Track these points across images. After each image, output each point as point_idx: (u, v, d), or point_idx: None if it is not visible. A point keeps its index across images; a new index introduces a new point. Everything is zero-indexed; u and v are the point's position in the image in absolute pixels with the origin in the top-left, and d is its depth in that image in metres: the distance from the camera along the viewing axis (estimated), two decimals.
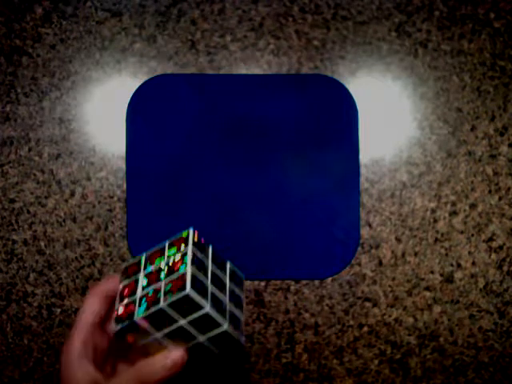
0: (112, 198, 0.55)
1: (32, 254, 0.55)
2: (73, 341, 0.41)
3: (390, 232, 0.55)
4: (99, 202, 0.55)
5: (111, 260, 0.55)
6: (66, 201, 0.55)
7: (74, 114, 0.55)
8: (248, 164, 0.54)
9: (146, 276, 0.41)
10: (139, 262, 0.42)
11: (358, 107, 0.55)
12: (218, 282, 0.41)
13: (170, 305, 0.38)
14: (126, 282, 0.42)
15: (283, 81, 0.55)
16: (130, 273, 0.42)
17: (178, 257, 0.40)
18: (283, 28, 0.56)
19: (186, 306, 0.38)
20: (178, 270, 0.39)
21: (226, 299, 0.41)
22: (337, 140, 0.54)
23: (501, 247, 0.55)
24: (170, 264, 0.40)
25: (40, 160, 0.55)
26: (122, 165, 0.55)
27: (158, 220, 0.54)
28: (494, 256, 0.55)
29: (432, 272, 0.55)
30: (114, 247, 0.55)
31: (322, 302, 0.55)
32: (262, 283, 0.55)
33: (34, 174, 0.55)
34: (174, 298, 0.37)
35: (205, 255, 0.42)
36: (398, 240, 0.55)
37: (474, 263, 0.55)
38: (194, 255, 0.40)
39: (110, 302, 0.43)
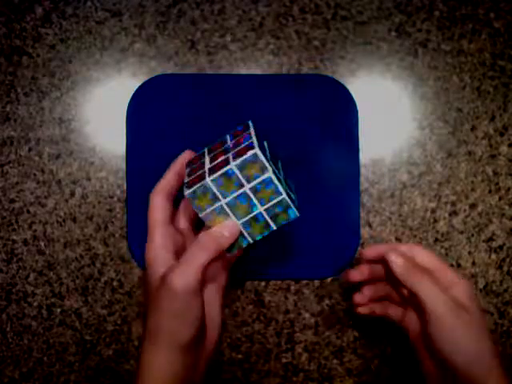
0: (112, 198, 0.55)
1: (32, 254, 0.55)
2: (153, 237, 0.44)
3: (390, 232, 0.55)
4: (99, 202, 0.55)
5: (111, 260, 0.55)
6: (66, 201, 0.55)
7: (74, 114, 0.55)
8: None
9: (212, 157, 0.43)
10: (202, 153, 0.45)
11: (358, 107, 0.55)
12: (275, 165, 0.44)
13: (239, 166, 0.41)
14: (192, 166, 0.44)
15: (283, 81, 0.55)
16: (195, 161, 0.45)
17: (241, 137, 0.43)
18: (283, 28, 0.56)
19: (253, 167, 0.41)
20: (243, 143, 0.42)
21: (282, 177, 0.44)
22: (337, 140, 0.54)
23: (501, 247, 0.55)
24: (235, 142, 0.43)
25: (40, 160, 0.55)
26: (122, 165, 0.55)
27: None
28: (493, 256, 0.55)
29: None
30: (114, 247, 0.55)
31: (321, 302, 0.55)
32: (262, 283, 0.55)
33: (34, 174, 0.55)
34: (243, 157, 0.40)
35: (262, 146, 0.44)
36: (398, 240, 0.55)
37: (474, 263, 0.55)
38: (256, 136, 0.43)
39: (173, 200, 0.46)
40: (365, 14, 0.56)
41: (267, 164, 0.41)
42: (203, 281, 0.42)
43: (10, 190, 0.55)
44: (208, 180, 0.41)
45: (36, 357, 0.55)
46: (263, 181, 0.41)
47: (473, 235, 0.55)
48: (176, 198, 0.47)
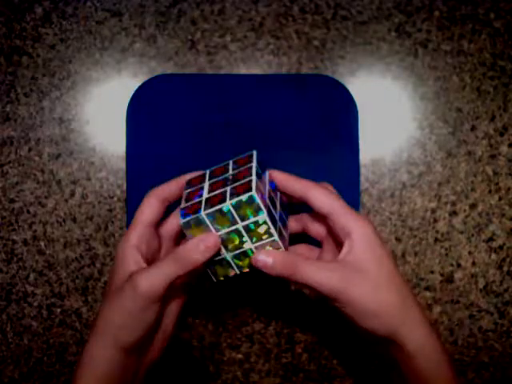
0: (112, 198, 0.55)
1: (32, 254, 0.55)
2: (129, 235, 0.43)
3: (390, 232, 0.55)
4: (99, 202, 0.55)
5: (111, 260, 0.55)
6: (66, 201, 0.55)
7: (74, 113, 0.55)
8: None
9: (211, 184, 0.44)
10: (203, 175, 0.45)
11: (358, 107, 0.55)
12: (272, 201, 0.44)
13: (235, 205, 0.41)
14: (190, 190, 0.44)
15: (283, 81, 0.55)
16: (195, 183, 0.45)
17: (242, 169, 0.44)
18: (283, 28, 0.56)
19: (248, 207, 0.41)
20: (243, 178, 0.42)
21: (277, 217, 0.44)
22: (337, 140, 0.54)
23: (501, 247, 0.55)
24: (235, 174, 0.44)
25: (40, 160, 0.55)
26: (122, 165, 0.55)
27: None
28: (494, 256, 0.55)
29: (432, 272, 0.55)
30: (114, 247, 0.55)
31: (321, 302, 0.55)
32: (263, 283, 0.55)
33: (34, 174, 0.55)
34: (240, 198, 0.41)
35: (262, 178, 0.45)
36: (398, 240, 0.55)
37: (474, 263, 0.55)
38: (257, 170, 0.44)
39: (167, 206, 0.45)
40: (365, 13, 0.56)
41: (262, 206, 0.41)
42: (168, 291, 0.41)
43: (9, 190, 0.55)
44: (203, 213, 0.41)
45: (36, 357, 0.55)
46: (257, 221, 0.41)
47: (473, 235, 0.55)
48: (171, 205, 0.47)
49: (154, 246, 0.45)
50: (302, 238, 0.48)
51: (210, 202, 0.42)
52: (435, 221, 0.55)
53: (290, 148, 0.54)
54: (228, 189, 0.42)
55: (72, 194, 0.55)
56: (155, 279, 0.40)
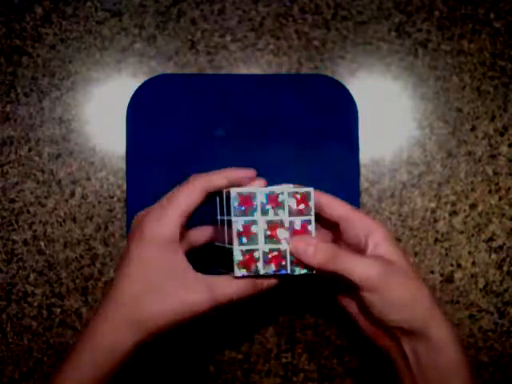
0: (112, 198, 0.55)
1: (32, 254, 0.55)
2: (170, 220, 0.42)
3: (390, 232, 0.55)
4: (99, 202, 0.55)
5: (111, 260, 0.55)
6: (66, 201, 0.55)
7: (74, 113, 0.55)
8: (248, 164, 0.54)
9: (268, 226, 0.43)
10: (254, 196, 0.43)
11: (358, 107, 0.55)
12: None
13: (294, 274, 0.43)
14: (242, 219, 0.42)
15: (283, 81, 0.55)
16: (245, 206, 0.43)
17: (299, 219, 0.43)
18: (283, 28, 0.56)
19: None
20: (303, 231, 0.43)
21: None
22: (337, 140, 0.54)
23: (501, 247, 0.55)
24: (292, 222, 0.43)
25: (40, 160, 0.55)
26: (122, 165, 0.55)
27: None
28: (494, 256, 0.55)
29: (432, 272, 0.55)
30: (114, 247, 0.55)
31: (322, 302, 0.55)
32: None
33: (34, 174, 0.55)
34: (301, 272, 0.43)
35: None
36: (398, 240, 0.55)
37: (474, 263, 0.55)
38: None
39: (207, 196, 0.44)
40: (365, 13, 0.56)
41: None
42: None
43: (10, 190, 0.55)
44: (261, 272, 0.42)
45: (36, 357, 0.55)
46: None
47: (473, 235, 0.55)
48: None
49: (182, 236, 0.44)
50: None
51: (268, 262, 0.42)
52: (435, 221, 0.55)
53: (289, 148, 0.54)
54: (287, 249, 0.43)
55: (72, 194, 0.55)
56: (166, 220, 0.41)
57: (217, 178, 0.44)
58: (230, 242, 0.43)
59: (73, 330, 0.55)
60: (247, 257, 0.42)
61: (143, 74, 0.55)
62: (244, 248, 0.42)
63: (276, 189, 0.43)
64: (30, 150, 0.55)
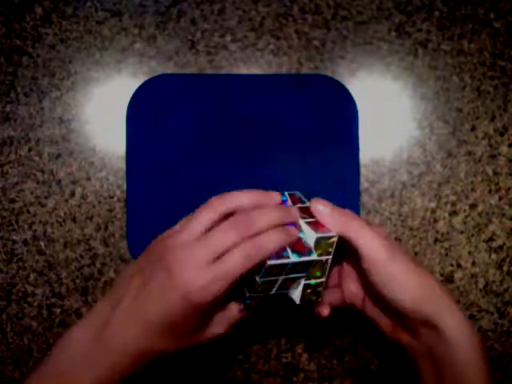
0: (112, 198, 0.55)
1: (32, 254, 0.55)
2: (217, 288, 0.40)
3: (390, 232, 0.55)
4: (99, 202, 0.55)
5: (111, 260, 0.55)
6: (66, 201, 0.55)
7: (74, 113, 0.55)
8: (248, 164, 0.54)
9: (285, 280, 0.43)
10: (286, 265, 0.42)
11: (358, 107, 0.55)
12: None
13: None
14: (263, 279, 0.43)
15: (283, 81, 0.55)
16: (274, 271, 0.43)
17: (318, 262, 0.44)
18: (283, 28, 0.56)
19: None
20: (316, 276, 0.44)
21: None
22: (337, 140, 0.54)
23: (501, 247, 0.55)
24: (310, 270, 0.44)
25: (40, 160, 0.55)
26: (122, 165, 0.55)
27: (158, 220, 0.54)
28: (494, 256, 0.55)
29: (432, 272, 0.55)
30: (114, 247, 0.55)
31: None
32: None
33: (34, 174, 0.55)
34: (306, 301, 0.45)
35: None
36: (398, 240, 0.55)
37: (474, 263, 0.55)
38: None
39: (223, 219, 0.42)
40: (365, 13, 0.56)
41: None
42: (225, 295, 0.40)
43: (10, 190, 0.55)
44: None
45: (36, 357, 0.55)
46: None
47: (473, 235, 0.55)
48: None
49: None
50: None
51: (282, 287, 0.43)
52: (435, 221, 0.55)
53: (289, 148, 0.54)
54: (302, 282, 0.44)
55: (72, 194, 0.55)
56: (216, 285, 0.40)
57: (236, 199, 0.43)
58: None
59: None
60: (255, 299, 0.44)
61: (143, 74, 0.55)
62: (254, 295, 0.44)
63: (308, 258, 0.43)
64: (30, 150, 0.55)
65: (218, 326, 0.44)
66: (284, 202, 0.46)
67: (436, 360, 0.42)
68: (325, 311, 0.47)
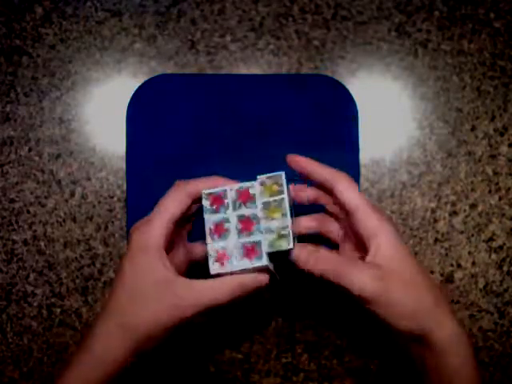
0: (112, 198, 0.55)
1: (32, 254, 0.55)
2: (154, 228, 0.42)
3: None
4: (99, 202, 0.55)
5: (111, 260, 0.55)
6: (66, 201, 0.55)
7: (74, 113, 0.55)
8: (248, 164, 0.54)
9: (240, 221, 0.43)
10: (225, 194, 0.44)
11: (358, 107, 0.55)
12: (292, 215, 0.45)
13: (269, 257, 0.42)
14: (213, 218, 0.43)
15: (283, 81, 0.55)
16: (216, 204, 0.44)
17: (273, 203, 0.43)
18: (283, 28, 0.56)
19: (281, 255, 0.43)
20: (274, 218, 0.43)
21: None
22: (337, 140, 0.54)
23: (501, 247, 0.55)
24: (267, 213, 0.43)
25: (40, 160, 0.55)
26: (122, 165, 0.55)
27: None
28: (494, 256, 0.55)
29: (432, 272, 0.55)
30: (114, 247, 0.55)
31: (322, 302, 0.55)
32: None
33: (34, 174, 0.55)
34: (276, 249, 0.42)
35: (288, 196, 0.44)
36: None
37: (474, 263, 0.55)
38: (289, 204, 0.43)
39: (192, 202, 0.44)
40: (365, 13, 0.56)
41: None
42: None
43: (10, 189, 0.55)
44: (237, 270, 0.42)
45: (36, 357, 0.55)
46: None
47: (473, 235, 0.55)
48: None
49: (172, 241, 0.44)
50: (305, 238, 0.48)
51: (243, 257, 0.42)
52: (435, 221, 0.55)
53: (289, 148, 0.54)
54: (262, 239, 0.42)
55: (72, 194, 0.55)
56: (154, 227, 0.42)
57: (202, 184, 0.44)
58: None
59: (73, 329, 0.55)
60: (221, 253, 0.42)
61: (143, 74, 0.55)
62: (216, 245, 0.43)
63: (246, 183, 0.44)
64: (30, 150, 0.55)
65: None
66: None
67: (428, 370, 0.42)
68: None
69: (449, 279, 0.55)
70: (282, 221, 0.42)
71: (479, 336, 0.55)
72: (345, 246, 0.46)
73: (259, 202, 0.43)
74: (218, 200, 0.44)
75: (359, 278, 0.41)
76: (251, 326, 0.55)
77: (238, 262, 0.42)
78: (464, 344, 0.41)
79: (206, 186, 0.44)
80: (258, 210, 0.43)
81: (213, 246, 0.43)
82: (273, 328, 0.55)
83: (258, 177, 0.44)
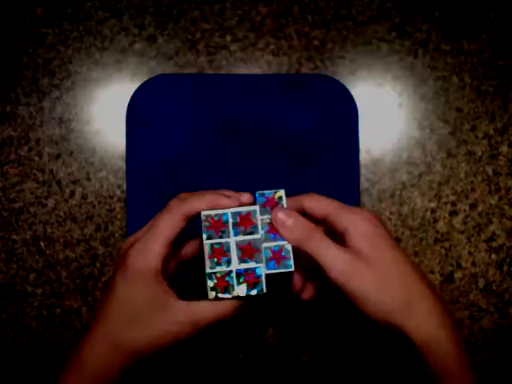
0: (112, 198, 0.55)
1: (32, 254, 0.55)
2: (152, 251, 0.42)
3: (390, 232, 0.55)
4: (99, 202, 0.55)
5: (111, 260, 0.55)
6: (66, 201, 0.55)
7: (74, 113, 0.55)
8: (248, 164, 0.54)
9: (240, 248, 0.42)
10: (227, 220, 0.43)
11: (358, 107, 0.55)
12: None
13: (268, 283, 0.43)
14: (212, 242, 0.43)
15: (283, 81, 0.55)
16: (215, 228, 0.43)
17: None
18: (283, 28, 0.56)
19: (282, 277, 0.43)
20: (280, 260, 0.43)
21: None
22: (337, 140, 0.54)
23: (501, 247, 0.55)
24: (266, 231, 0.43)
25: (40, 160, 0.55)
26: (122, 165, 0.55)
27: None
28: (494, 256, 0.55)
29: (432, 272, 0.55)
30: (114, 247, 0.55)
31: (322, 302, 0.55)
32: None
33: (34, 174, 0.55)
34: (276, 271, 0.43)
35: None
36: (398, 240, 0.55)
37: (473, 263, 0.55)
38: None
39: (187, 222, 0.43)
40: (365, 14, 0.56)
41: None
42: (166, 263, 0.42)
43: (9, 190, 0.55)
44: (238, 294, 0.43)
45: (36, 357, 0.55)
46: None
47: (473, 235, 0.55)
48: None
49: (166, 264, 0.44)
50: None
51: (242, 283, 0.42)
52: (435, 221, 0.55)
53: (289, 148, 0.54)
54: (263, 267, 0.42)
55: (72, 194, 0.55)
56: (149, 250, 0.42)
57: (197, 204, 0.43)
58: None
59: (73, 330, 0.55)
60: (220, 279, 0.42)
61: (143, 74, 0.55)
62: (216, 270, 0.42)
63: (246, 208, 0.43)
64: (30, 149, 0.55)
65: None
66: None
67: (417, 367, 0.42)
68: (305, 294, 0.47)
69: (449, 279, 0.55)
70: (283, 242, 0.43)
71: (479, 336, 0.55)
72: None
73: (260, 227, 0.43)
74: (217, 224, 0.43)
75: (330, 255, 0.41)
76: (251, 326, 0.55)
77: (238, 288, 0.42)
78: (445, 343, 0.40)
79: (202, 205, 0.43)
80: (259, 234, 0.43)
81: (211, 271, 0.42)
82: (273, 328, 0.55)
83: (258, 193, 0.44)
